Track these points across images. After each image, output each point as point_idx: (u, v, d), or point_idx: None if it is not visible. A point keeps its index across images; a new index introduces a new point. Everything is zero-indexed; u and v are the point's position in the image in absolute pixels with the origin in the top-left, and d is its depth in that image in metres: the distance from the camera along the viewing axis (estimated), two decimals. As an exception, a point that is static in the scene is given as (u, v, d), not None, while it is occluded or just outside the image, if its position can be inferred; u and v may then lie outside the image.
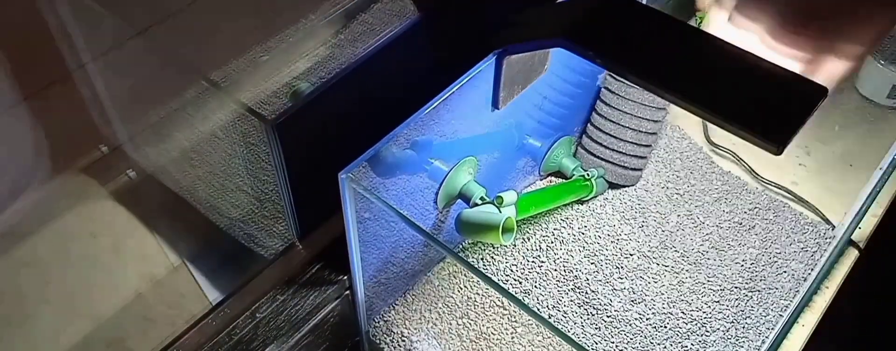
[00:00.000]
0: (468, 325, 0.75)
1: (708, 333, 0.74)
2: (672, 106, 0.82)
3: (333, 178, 0.57)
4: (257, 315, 0.70)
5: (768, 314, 0.76)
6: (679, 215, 0.83)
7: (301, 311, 0.72)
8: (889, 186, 0.82)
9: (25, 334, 0.80)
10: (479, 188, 0.71)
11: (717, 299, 0.77)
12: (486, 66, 0.61)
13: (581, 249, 0.80)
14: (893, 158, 0.71)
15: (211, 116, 0.79)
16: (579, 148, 0.85)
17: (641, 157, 0.84)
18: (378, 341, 0.75)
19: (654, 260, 0.79)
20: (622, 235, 0.81)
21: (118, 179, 0.89)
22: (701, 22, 0.99)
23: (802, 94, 0.50)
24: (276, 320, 0.71)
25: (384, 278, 0.72)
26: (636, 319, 0.75)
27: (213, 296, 0.85)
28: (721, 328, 0.75)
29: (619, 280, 0.77)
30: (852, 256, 0.80)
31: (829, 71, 0.53)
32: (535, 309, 0.75)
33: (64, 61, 0.76)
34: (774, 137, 0.48)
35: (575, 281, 0.77)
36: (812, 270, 0.79)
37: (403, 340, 0.75)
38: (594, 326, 0.74)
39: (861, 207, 0.72)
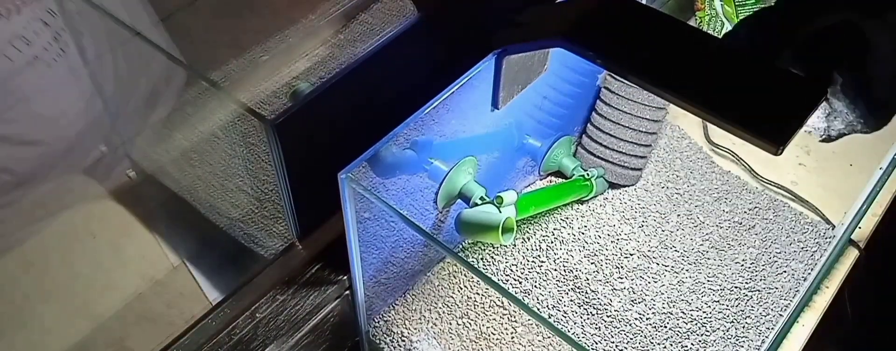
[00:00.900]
0: (468, 324, 0.75)
1: (708, 333, 0.74)
2: (672, 106, 0.82)
3: (333, 178, 0.57)
4: (257, 315, 0.70)
5: (768, 314, 0.76)
6: (679, 215, 0.83)
7: (301, 311, 0.72)
8: (889, 186, 0.82)
9: (25, 334, 0.80)
10: (479, 188, 0.71)
11: (717, 299, 0.77)
12: (486, 66, 0.61)
13: (581, 248, 0.80)
14: (893, 158, 0.71)
15: (211, 116, 0.79)
16: (579, 148, 0.85)
17: (641, 157, 0.84)
18: (378, 341, 0.75)
19: (654, 260, 0.79)
20: (622, 234, 0.81)
21: (118, 179, 0.88)
22: (701, 22, 0.98)
23: (802, 94, 0.50)
24: (276, 320, 0.71)
25: (384, 278, 0.72)
26: (636, 318, 0.75)
27: (213, 296, 0.85)
28: (721, 328, 0.75)
29: (619, 280, 0.77)
30: (852, 255, 0.80)
31: None
32: (535, 309, 0.75)
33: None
34: (774, 137, 0.48)
35: (575, 281, 0.77)
36: (812, 269, 0.79)
37: (403, 340, 0.75)
38: (594, 325, 0.74)
39: (861, 207, 0.72)
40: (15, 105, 0.74)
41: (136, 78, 0.81)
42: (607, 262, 0.79)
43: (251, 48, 0.88)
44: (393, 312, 0.76)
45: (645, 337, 0.74)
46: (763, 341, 0.74)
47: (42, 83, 0.74)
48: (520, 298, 0.76)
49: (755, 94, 0.50)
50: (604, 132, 0.82)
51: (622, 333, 0.74)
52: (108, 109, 0.83)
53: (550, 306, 0.76)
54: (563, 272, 0.78)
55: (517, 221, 0.74)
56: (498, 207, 0.70)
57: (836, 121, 0.60)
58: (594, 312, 0.75)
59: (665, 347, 0.73)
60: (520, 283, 0.77)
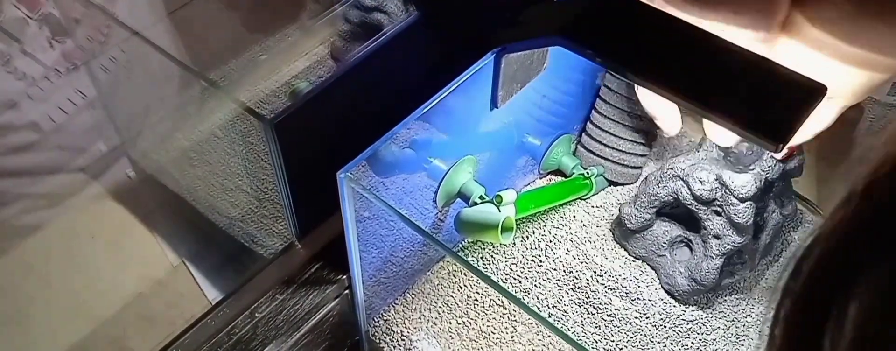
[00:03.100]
0: (468, 324, 0.75)
1: (708, 332, 0.74)
2: (672, 104, 0.82)
3: (332, 177, 0.57)
4: (256, 314, 0.70)
5: (769, 313, 0.76)
6: (679, 214, 0.83)
7: (300, 310, 0.72)
8: (889, 185, 0.82)
9: (25, 334, 0.80)
10: (479, 187, 0.71)
11: (717, 298, 0.77)
12: (485, 64, 0.61)
13: (580, 247, 0.80)
14: (894, 157, 0.71)
15: (210, 116, 0.79)
16: (579, 146, 0.85)
17: (641, 156, 0.84)
18: (378, 341, 0.75)
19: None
20: (622, 233, 0.81)
21: (118, 180, 0.89)
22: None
23: (802, 93, 0.50)
24: (276, 320, 0.71)
25: (383, 278, 0.72)
26: (636, 317, 0.75)
27: (213, 295, 0.85)
28: (721, 327, 0.75)
29: (619, 279, 0.77)
30: (853, 254, 0.80)
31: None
32: (535, 308, 0.75)
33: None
34: (774, 135, 0.48)
35: (575, 280, 0.77)
36: (812, 268, 0.79)
37: (403, 340, 0.75)
38: (594, 324, 0.74)
39: (861, 206, 0.72)
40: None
41: (135, 78, 0.81)
42: (607, 260, 0.79)
43: (250, 47, 0.88)
44: (392, 311, 0.76)
45: (645, 336, 0.74)
46: (764, 341, 0.74)
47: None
48: (519, 297, 0.75)
49: (755, 92, 0.50)
50: (603, 131, 0.82)
51: (622, 331, 0.74)
52: (108, 109, 0.83)
53: (550, 305, 0.76)
54: (562, 271, 0.78)
55: (516, 220, 0.74)
56: (497, 206, 0.70)
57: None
58: (594, 311, 0.75)
59: (665, 346, 0.73)
60: (519, 282, 0.77)
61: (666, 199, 0.73)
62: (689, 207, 0.72)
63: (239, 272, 0.81)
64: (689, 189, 0.71)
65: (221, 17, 0.84)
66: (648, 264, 0.78)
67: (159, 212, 0.90)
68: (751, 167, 0.70)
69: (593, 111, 0.83)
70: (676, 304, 0.76)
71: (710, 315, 0.76)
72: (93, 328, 0.81)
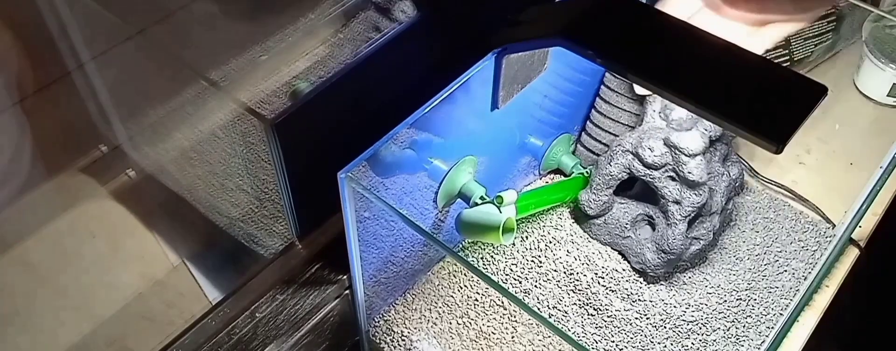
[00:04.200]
0: (468, 324, 0.75)
1: (708, 333, 0.74)
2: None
3: (333, 177, 0.57)
4: (257, 315, 0.70)
5: (769, 313, 0.76)
6: (679, 214, 0.83)
7: (301, 310, 0.72)
8: (889, 185, 0.82)
9: (25, 334, 0.80)
10: (479, 187, 0.71)
11: (717, 298, 0.77)
12: (486, 65, 0.61)
13: (580, 247, 0.80)
14: (894, 157, 0.71)
15: (210, 116, 0.79)
16: (578, 146, 0.85)
17: (641, 156, 0.84)
18: (378, 341, 0.75)
19: (654, 259, 0.79)
20: (622, 234, 0.81)
21: (118, 179, 0.89)
22: (701, 21, 0.98)
23: (802, 93, 0.50)
24: (276, 320, 0.71)
25: (384, 278, 0.72)
26: (636, 318, 0.75)
27: (213, 295, 0.85)
28: (721, 327, 0.75)
29: (620, 279, 0.77)
30: (853, 254, 0.80)
31: (774, 33, 0.56)
32: (536, 308, 0.75)
33: (63, 61, 0.76)
34: (774, 136, 0.48)
35: (575, 281, 0.77)
36: (812, 268, 0.79)
37: (403, 340, 0.75)
38: (594, 325, 0.74)
39: (861, 206, 0.72)
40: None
41: (134, 76, 0.81)
42: (607, 260, 0.79)
43: (250, 47, 0.87)
44: (393, 311, 0.76)
45: (645, 336, 0.74)
46: (763, 341, 0.74)
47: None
48: (520, 297, 0.75)
49: (755, 93, 0.50)
50: (603, 130, 0.82)
51: (622, 332, 0.74)
52: (109, 109, 0.83)
53: (551, 306, 0.76)
54: (563, 272, 0.78)
55: (517, 220, 0.74)
56: (498, 207, 0.70)
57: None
58: (594, 312, 0.75)
59: (665, 347, 0.73)
60: (520, 282, 0.77)
61: (620, 176, 0.75)
62: (644, 178, 0.74)
63: (239, 272, 0.81)
64: (641, 159, 0.73)
65: (222, 17, 0.84)
66: (615, 250, 0.79)
67: (159, 212, 0.90)
68: (691, 129, 0.72)
69: (593, 111, 0.83)
70: (677, 304, 0.76)
71: (710, 316, 0.76)
72: (93, 328, 0.81)
